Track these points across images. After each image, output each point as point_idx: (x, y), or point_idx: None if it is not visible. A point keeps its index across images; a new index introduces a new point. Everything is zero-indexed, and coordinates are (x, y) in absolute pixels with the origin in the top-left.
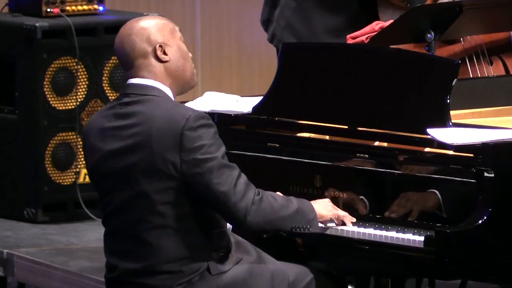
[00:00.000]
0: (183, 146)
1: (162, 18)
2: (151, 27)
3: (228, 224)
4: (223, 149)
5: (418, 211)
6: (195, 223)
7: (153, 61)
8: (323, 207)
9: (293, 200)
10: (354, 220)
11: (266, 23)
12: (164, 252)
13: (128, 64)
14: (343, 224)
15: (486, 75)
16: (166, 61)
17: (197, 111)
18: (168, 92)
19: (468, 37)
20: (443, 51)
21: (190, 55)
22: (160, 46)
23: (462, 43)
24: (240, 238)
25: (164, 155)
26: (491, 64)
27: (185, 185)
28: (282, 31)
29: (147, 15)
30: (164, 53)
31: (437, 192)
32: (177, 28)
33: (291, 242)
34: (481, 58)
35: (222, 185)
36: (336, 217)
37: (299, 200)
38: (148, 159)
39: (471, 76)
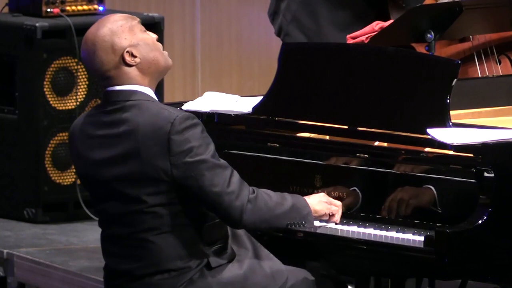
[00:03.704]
0: (171, 150)
1: (116, 17)
2: (111, 35)
3: None
4: (212, 147)
5: (418, 210)
6: (190, 218)
7: (125, 68)
8: (318, 202)
9: (287, 197)
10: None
11: (272, 15)
12: (163, 251)
13: (102, 77)
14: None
15: (494, 73)
16: (137, 63)
17: (180, 112)
18: (149, 91)
19: (477, 35)
20: (451, 49)
21: (155, 36)
22: (127, 52)
23: (471, 40)
24: (235, 230)
25: (153, 162)
26: (500, 63)
27: (178, 186)
28: (289, 24)
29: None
30: (133, 56)
31: (435, 191)
32: (134, 22)
33: (290, 242)
34: (490, 57)
35: (214, 186)
36: (330, 212)
37: (293, 195)
38: (138, 167)
39: (479, 74)
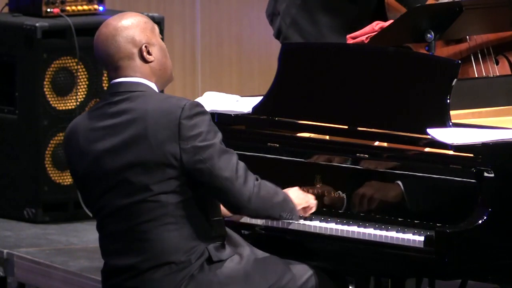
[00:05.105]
0: (181, 135)
1: (141, 15)
2: (134, 27)
3: None
4: (219, 135)
5: (418, 210)
6: (195, 210)
7: (138, 62)
8: (296, 196)
9: (278, 188)
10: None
11: (271, 16)
12: (164, 243)
13: (112, 65)
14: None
15: (491, 74)
16: (151, 61)
17: (189, 99)
18: (154, 87)
19: (475, 36)
20: (449, 50)
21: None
22: (145, 46)
23: (468, 41)
24: (229, 231)
25: (163, 146)
26: (497, 64)
27: (186, 173)
28: (288, 28)
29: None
30: (149, 53)
31: (437, 191)
32: (155, 25)
33: (289, 242)
34: (487, 57)
35: (224, 170)
36: (307, 206)
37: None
38: (147, 153)
39: (476, 74)
